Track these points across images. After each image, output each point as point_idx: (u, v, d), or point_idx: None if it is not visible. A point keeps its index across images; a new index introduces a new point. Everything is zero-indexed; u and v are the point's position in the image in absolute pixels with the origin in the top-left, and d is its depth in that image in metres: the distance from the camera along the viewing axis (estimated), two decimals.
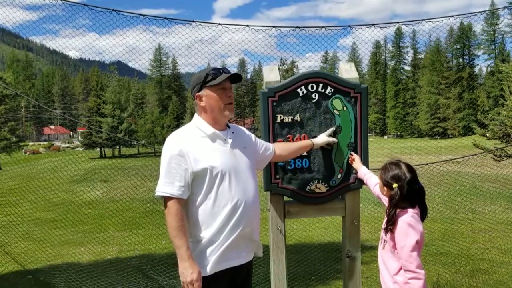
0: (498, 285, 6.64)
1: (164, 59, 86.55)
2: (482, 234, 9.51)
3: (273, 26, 6.20)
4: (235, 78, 2.71)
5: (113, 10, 5.48)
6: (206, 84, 2.62)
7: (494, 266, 7.46)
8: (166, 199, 2.50)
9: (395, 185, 2.64)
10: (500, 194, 12.96)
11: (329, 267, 7.46)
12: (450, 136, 65.70)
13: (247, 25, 6.08)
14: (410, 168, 2.69)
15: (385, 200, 2.84)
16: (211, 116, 2.65)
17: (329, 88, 3.16)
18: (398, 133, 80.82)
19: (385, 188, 2.76)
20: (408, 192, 2.63)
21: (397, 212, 2.65)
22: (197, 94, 2.64)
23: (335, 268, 7.34)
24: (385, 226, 2.72)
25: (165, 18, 6.00)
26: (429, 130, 72.48)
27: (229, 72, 2.66)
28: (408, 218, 2.60)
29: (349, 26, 6.46)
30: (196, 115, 2.74)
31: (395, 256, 2.69)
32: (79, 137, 62.68)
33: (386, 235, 2.74)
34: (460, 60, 79.57)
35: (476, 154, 7.48)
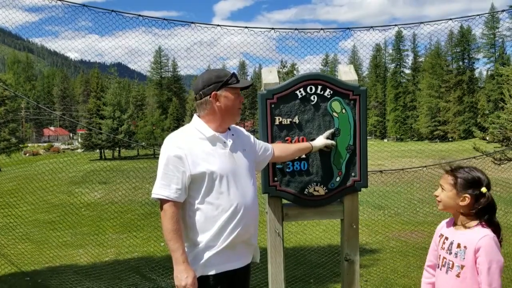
0: None
1: (164, 61, 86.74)
2: None
3: (272, 28, 6.20)
4: (246, 86, 2.71)
5: (112, 11, 5.48)
6: (228, 85, 2.59)
7: None
8: (162, 201, 2.46)
9: (484, 189, 2.32)
10: (500, 198, 12.92)
11: (328, 270, 7.44)
12: (450, 139, 65.73)
13: (246, 27, 6.08)
14: (483, 172, 2.42)
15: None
16: (222, 118, 2.61)
17: (328, 90, 3.14)
18: (398, 136, 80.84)
19: (466, 195, 2.36)
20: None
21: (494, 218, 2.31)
22: (215, 92, 2.57)
23: (334, 271, 7.32)
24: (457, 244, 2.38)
25: (164, 19, 6.00)
26: (429, 134, 72.53)
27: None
28: (491, 233, 2.30)
29: (348, 28, 6.45)
30: (195, 116, 2.68)
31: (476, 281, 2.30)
32: (79, 139, 62.64)
33: (463, 258, 2.34)
34: (460, 63, 79.73)
35: (474, 157, 7.47)
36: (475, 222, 2.35)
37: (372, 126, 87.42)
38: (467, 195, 2.35)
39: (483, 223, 2.33)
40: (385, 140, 74.95)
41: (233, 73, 2.63)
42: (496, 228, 2.32)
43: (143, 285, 7.11)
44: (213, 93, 2.58)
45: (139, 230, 10.97)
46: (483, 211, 2.32)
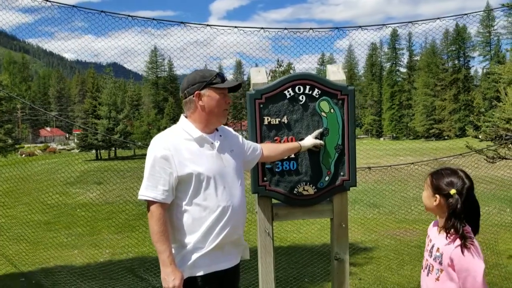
0: (491, 287, 6.65)
1: (160, 60, 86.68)
2: (476, 236, 9.51)
3: (262, 28, 6.22)
4: (234, 87, 2.71)
5: (102, 11, 5.49)
6: (212, 85, 2.59)
7: (487, 268, 7.43)
8: (149, 203, 2.46)
9: (453, 191, 2.29)
10: (494, 196, 12.96)
11: (322, 269, 7.46)
12: (446, 137, 65.96)
13: (235, 27, 6.10)
14: (468, 175, 2.37)
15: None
16: (206, 118, 2.61)
17: (316, 90, 3.15)
18: (394, 135, 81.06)
19: (436, 196, 2.38)
20: (466, 202, 2.28)
21: (459, 226, 2.26)
22: (198, 92, 2.58)
23: (328, 270, 7.34)
24: (437, 247, 2.36)
25: (153, 19, 6.01)
26: (424, 132, 72.81)
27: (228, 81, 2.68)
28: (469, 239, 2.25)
29: (337, 28, 6.49)
30: (182, 117, 2.69)
31: (457, 286, 2.27)
32: (75, 139, 62.57)
33: (440, 262, 2.32)
34: (456, 62, 79.94)
35: (461, 154, 7.50)
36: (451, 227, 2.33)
37: (368, 124, 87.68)
38: (437, 195, 2.37)
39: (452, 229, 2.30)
40: (381, 139, 75.19)
41: (218, 73, 2.63)
42: (462, 237, 2.24)
43: (138, 286, 7.11)
44: (196, 92, 2.59)
45: (134, 231, 10.97)
46: (452, 215, 2.29)
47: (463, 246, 2.22)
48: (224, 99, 2.64)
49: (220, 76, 2.63)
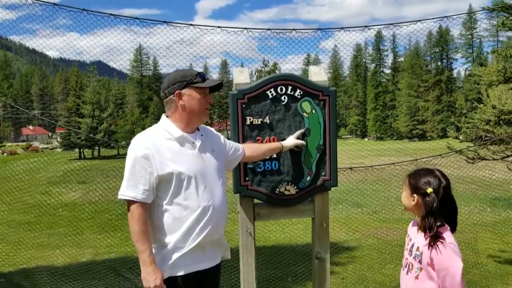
0: (471, 286, 6.75)
1: (145, 59, 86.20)
2: (456, 235, 9.62)
3: (245, 28, 6.23)
4: (215, 86, 2.71)
5: (83, 10, 5.44)
6: (192, 84, 2.59)
7: (467, 267, 7.58)
8: (129, 202, 2.45)
9: (430, 190, 2.34)
10: (475, 196, 13.16)
11: (305, 268, 7.51)
12: (429, 138, 66.65)
13: (219, 27, 6.09)
14: (444, 175, 2.41)
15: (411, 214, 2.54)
16: (187, 117, 2.60)
17: (298, 90, 3.17)
18: (378, 135, 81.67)
19: (414, 196, 2.43)
20: (443, 201, 2.33)
21: (436, 224, 2.30)
22: (178, 91, 2.57)
23: (311, 269, 7.38)
24: (416, 246, 2.41)
25: (136, 18, 5.98)
26: (408, 132, 73.51)
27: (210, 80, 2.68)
28: (450, 237, 2.30)
29: (320, 29, 6.55)
30: (163, 116, 2.68)
31: (437, 284, 2.30)
32: (58, 138, 61.84)
33: (420, 261, 2.36)
34: (439, 63, 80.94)
35: (440, 155, 7.61)
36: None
37: (352, 125, 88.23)
38: (415, 195, 2.42)
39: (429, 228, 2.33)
40: (366, 139, 75.70)
41: (199, 73, 2.63)
42: (434, 236, 2.29)
43: (120, 285, 7.08)
44: (176, 91, 2.58)
45: (117, 230, 10.90)
46: (428, 214, 2.33)
47: (431, 245, 2.27)
48: (205, 98, 2.64)
49: (201, 75, 2.63)
